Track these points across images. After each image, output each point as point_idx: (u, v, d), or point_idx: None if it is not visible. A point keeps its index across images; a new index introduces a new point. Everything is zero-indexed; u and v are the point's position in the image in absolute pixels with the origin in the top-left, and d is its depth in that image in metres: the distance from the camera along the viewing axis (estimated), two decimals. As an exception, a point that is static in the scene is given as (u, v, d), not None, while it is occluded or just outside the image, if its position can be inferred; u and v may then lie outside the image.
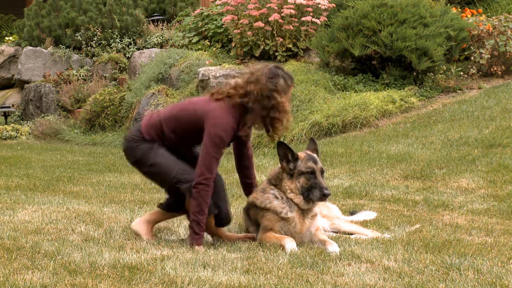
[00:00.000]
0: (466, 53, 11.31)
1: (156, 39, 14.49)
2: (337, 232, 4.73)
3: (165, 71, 12.46)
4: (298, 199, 4.30)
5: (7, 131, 13.16)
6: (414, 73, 10.61)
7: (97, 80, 14.10)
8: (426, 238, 4.48)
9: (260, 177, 6.19)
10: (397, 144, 8.28)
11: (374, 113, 9.67)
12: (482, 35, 11.06)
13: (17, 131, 13.30)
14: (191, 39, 13.23)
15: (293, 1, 11.36)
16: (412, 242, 4.30)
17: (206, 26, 13.08)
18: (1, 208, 5.51)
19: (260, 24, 11.25)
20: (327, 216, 4.83)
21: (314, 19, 11.44)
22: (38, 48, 15.29)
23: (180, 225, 4.90)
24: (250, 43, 11.57)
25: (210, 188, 4.17)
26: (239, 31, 11.56)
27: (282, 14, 11.33)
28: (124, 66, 14.36)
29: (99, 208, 5.56)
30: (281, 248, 4.09)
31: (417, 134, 8.67)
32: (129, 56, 14.44)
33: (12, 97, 15.35)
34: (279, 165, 4.40)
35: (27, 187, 6.79)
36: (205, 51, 12.69)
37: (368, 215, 5.28)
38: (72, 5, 15.88)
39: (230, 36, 12.26)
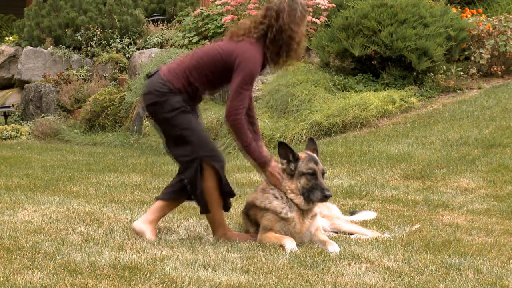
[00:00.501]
0: (466, 53, 11.31)
1: (156, 39, 14.48)
2: (337, 232, 4.73)
3: (165, 71, 12.45)
4: (299, 200, 4.29)
5: (7, 131, 13.15)
6: (414, 73, 10.61)
7: (97, 80, 14.09)
8: (426, 238, 4.47)
9: (260, 177, 6.18)
10: (397, 144, 8.28)
11: (374, 113, 9.67)
12: (482, 35, 11.06)
13: (17, 131, 13.29)
14: (191, 39, 13.23)
15: (293, 1, 11.34)
16: (412, 242, 4.30)
17: (206, 26, 13.08)
18: (1, 208, 5.51)
19: (260, 24, 11.24)
20: (327, 216, 4.82)
21: (314, 19, 11.44)
22: (38, 48, 15.28)
23: (180, 225, 4.90)
24: (250, 43, 11.56)
25: (243, 118, 4.29)
26: (239, 31, 11.55)
27: (282, 14, 11.32)
28: (124, 66, 14.36)
29: (99, 208, 5.56)
30: (281, 248, 4.09)
31: (417, 134, 8.67)
32: (129, 56, 14.44)
33: (12, 97, 15.34)
34: (279, 164, 4.40)
35: (27, 187, 6.79)
36: (205, 51, 12.69)
37: (368, 215, 5.27)
38: (72, 5, 15.88)
39: (230, 36, 12.25)
